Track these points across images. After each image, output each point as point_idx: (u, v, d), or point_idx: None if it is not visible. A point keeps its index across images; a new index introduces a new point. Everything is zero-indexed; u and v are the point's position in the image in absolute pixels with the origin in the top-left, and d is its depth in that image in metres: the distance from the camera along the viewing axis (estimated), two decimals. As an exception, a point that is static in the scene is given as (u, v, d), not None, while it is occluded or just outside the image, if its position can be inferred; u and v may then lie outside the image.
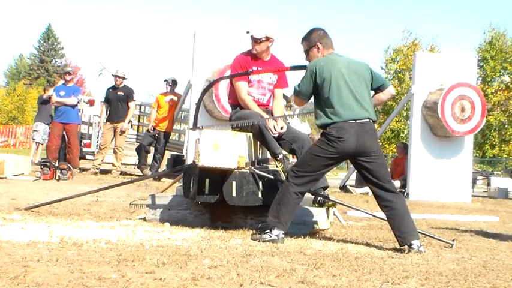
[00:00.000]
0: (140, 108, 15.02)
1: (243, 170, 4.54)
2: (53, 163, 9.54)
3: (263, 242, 4.02)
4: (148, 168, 11.51)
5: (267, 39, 5.08)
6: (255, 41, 5.10)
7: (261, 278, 2.86)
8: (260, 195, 4.49)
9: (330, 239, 4.53)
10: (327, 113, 4.12)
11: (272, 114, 5.13)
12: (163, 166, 11.96)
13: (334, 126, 4.06)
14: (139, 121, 15.55)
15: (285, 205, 4.13)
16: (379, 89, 4.35)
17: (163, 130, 11.52)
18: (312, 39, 4.38)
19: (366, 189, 9.42)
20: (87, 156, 13.35)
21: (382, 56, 35.04)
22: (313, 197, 4.77)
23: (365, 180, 4.27)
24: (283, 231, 4.11)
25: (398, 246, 4.14)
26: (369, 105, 4.19)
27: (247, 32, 5.10)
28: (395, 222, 4.14)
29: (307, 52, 4.43)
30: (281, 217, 4.12)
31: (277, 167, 4.81)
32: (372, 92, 4.37)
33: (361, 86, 4.22)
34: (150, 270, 2.87)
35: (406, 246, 4.06)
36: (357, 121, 4.08)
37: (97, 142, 13.29)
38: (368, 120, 4.13)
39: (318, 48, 4.35)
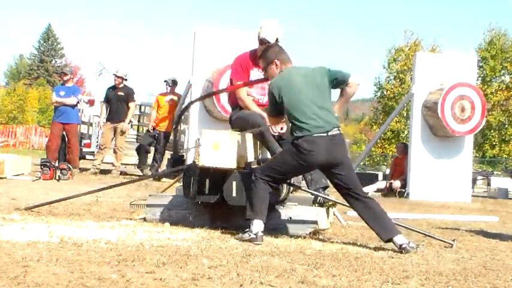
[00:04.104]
0: (140, 108, 15.02)
1: (243, 170, 4.54)
2: (53, 163, 9.53)
3: (242, 241, 4.03)
4: (148, 168, 11.51)
5: (276, 41, 5.09)
6: (268, 44, 5.07)
7: (261, 278, 2.86)
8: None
9: (330, 239, 4.53)
10: (297, 128, 4.18)
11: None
12: (163, 166, 11.96)
13: (306, 139, 4.14)
14: (139, 121, 15.55)
15: (255, 195, 4.22)
16: (343, 83, 4.34)
17: (163, 130, 11.52)
18: (269, 57, 4.49)
19: (366, 189, 9.43)
20: (87, 156, 13.34)
21: (385, 56, 35.09)
22: (313, 197, 4.77)
23: (336, 189, 4.35)
24: (262, 227, 4.12)
25: (395, 248, 4.14)
26: (331, 114, 4.26)
27: (262, 39, 5.07)
28: (373, 220, 4.20)
29: (265, 69, 4.56)
30: (255, 207, 4.19)
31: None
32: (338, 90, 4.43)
33: (323, 95, 4.29)
34: (150, 270, 2.88)
35: (393, 243, 4.09)
36: (328, 133, 4.14)
37: (97, 142, 13.29)
38: (338, 131, 4.21)
39: (276, 64, 4.44)
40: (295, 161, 4.17)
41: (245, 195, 4.44)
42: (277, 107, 4.34)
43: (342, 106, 4.52)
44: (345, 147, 4.32)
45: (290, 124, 4.31)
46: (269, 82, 4.50)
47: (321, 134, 4.13)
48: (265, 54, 4.54)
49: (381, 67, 35.06)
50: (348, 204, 4.72)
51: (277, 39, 5.07)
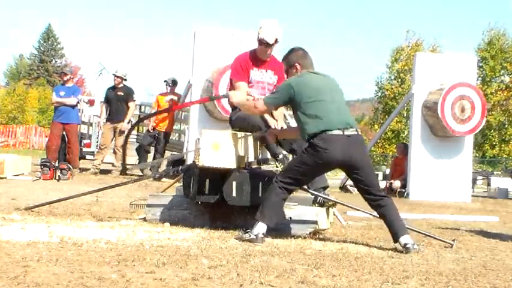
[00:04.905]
0: (140, 108, 15.01)
1: (243, 170, 4.54)
2: (53, 163, 9.53)
3: (242, 241, 4.03)
4: (149, 168, 11.51)
5: (276, 41, 5.09)
6: (268, 45, 5.08)
7: (261, 278, 2.86)
8: (260, 195, 4.48)
9: (330, 239, 4.53)
10: (314, 123, 4.17)
11: (272, 115, 5.12)
12: (164, 166, 11.96)
13: (321, 136, 4.13)
14: (139, 121, 15.52)
15: (269, 199, 4.22)
16: None
17: (163, 130, 11.52)
18: (291, 60, 4.48)
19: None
20: (87, 156, 13.34)
21: (388, 56, 35.07)
22: (313, 197, 4.77)
23: (355, 186, 4.39)
24: (264, 230, 4.11)
25: (398, 247, 4.14)
26: (348, 115, 4.31)
27: (261, 39, 5.07)
28: (388, 217, 4.23)
29: (286, 72, 4.57)
30: (264, 211, 4.19)
31: (277, 167, 4.81)
32: None
33: (340, 98, 4.36)
34: (150, 270, 2.88)
35: (398, 242, 4.10)
36: (345, 133, 4.15)
37: (97, 142, 13.29)
38: (355, 132, 4.21)
39: (297, 68, 4.44)
40: (312, 160, 4.16)
41: (244, 195, 4.45)
42: (282, 103, 4.36)
43: None
44: (363, 147, 4.32)
45: (303, 123, 4.24)
46: (287, 79, 4.50)
47: (336, 132, 4.12)
48: (287, 57, 4.53)
49: (384, 66, 35.14)
50: (348, 205, 4.74)
51: (276, 39, 5.07)
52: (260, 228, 4.10)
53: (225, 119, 8.14)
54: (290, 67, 4.47)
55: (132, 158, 12.76)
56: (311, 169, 4.23)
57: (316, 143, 4.13)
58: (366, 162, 4.31)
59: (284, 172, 4.30)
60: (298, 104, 4.25)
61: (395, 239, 4.15)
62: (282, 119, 5.08)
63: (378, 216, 4.37)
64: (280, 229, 4.55)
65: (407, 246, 4.04)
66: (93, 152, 13.08)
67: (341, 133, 4.13)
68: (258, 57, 5.18)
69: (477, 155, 30.77)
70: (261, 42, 5.09)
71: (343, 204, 4.95)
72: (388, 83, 34.36)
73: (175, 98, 11.55)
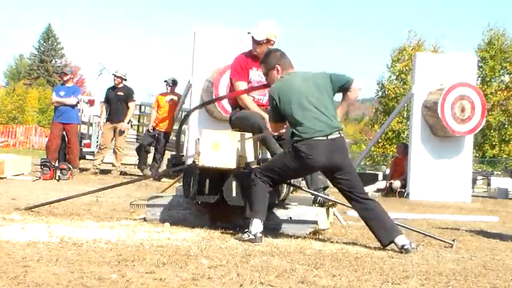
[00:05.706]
0: (140, 108, 15.01)
1: (242, 170, 4.54)
2: (53, 163, 9.53)
3: (242, 241, 4.03)
4: (148, 168, 11.51)
5: (268, 41, 5.10)
6: (256, 42, 5.12)
7: (261, 278, 2.86)
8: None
9: (330, 239, 4.53)
10: (298, 131, 4.16)
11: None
12: (164, 166, 11.96)
13: (305, 142, 4.12)
14: (139, 121, 15.55)
15: (255, 194, 4.22)
16: (345, 87, 4.33)
17: (163, 130, 11.52)
18: (270, 62, 4.46)
19: (366, 189, 9.41)
20: (87, 156, 13.34)
21: (389, 55, 34.98)
22: (313, 197, 4.77)
23: (338, 190, 4.34)
24: (261, 228, 4.11)
25: (395, 248, 4.13)
26: (334, 117, 4.25)
27: (249, 33, 5.14)
28: (374, 223, 4.18)
29: (266, 74, 4.55)
30: (254, 206, 4.19)
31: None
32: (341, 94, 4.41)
33: (324, 98, 4.26)
34: (150, 270, 2.88)
35: (394, 244, 4.07)
36: (328, 137, 4.12)
37: (97, 142, 13.29)
38: (338, 135, 4.19)
39: (277, 70, 4.42)
40: (294, 164, 4.17)
41: (245, 194, 4.44)
42: (279, 113, 4.30)
43: (343, 110, 4.49)
44: (345, 150, 4.30)
45: (292, 130, 4.26)
46: (269, 89, 4.48)
47: (320, 138, 4.11)
48: (266, 59, 4.52)
49: (384, 66, 35.03)
50: (348, 205, 4.74)
51: (268, 39, 5.08)
52: (257, 226, 4.10)
53: (225, 119, 8.13)
54: (270, 69, 4.46)
55: (132, 158, 12.77)
56: (291, 172, 4.26)
57: (299, 147, 4.12)
58: (348, 163, 4.29)
59: (263, 170, 4.27)
60: (284, 110, 4.24)
61: (389, 241, 4.09)
62: None
63: (362, 220, 4.32)
64: (280, 229, 4.55)
65: (406, 247, 4.02)
66: (93, 152, 13.08)
67: (325, 138, 4.12)
68: (257, 58, 5.18)
69: (477, 155, 30.72)
70: (252, 38, 5.13)
71: (343, 204, 4.94)
72: (390, 83, 34.29)
73: (176, 98, 11.56)
